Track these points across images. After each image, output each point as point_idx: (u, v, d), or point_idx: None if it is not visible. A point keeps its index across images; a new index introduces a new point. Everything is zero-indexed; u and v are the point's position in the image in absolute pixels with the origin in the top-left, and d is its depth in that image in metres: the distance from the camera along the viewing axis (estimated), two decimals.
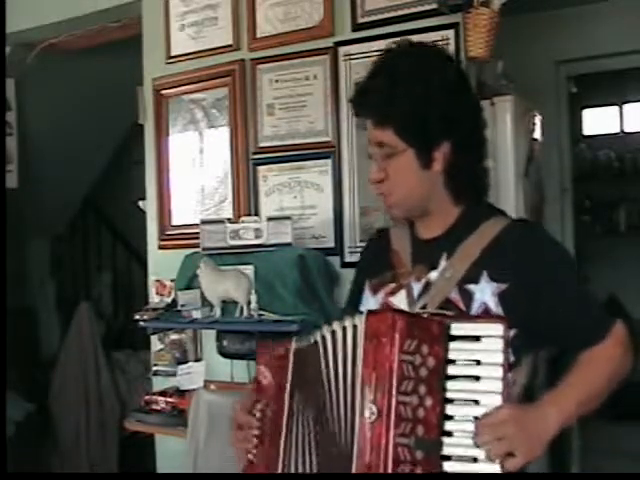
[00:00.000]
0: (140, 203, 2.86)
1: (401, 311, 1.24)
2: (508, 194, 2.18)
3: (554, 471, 2.11)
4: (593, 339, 1.27)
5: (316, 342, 1.25)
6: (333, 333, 1.22)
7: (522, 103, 2.29)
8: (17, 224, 3.89)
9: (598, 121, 5.63)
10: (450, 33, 2.13)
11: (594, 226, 5.38)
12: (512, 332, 1.20)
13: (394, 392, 1.10)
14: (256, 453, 1.32)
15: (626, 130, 5.57)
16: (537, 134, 2.52)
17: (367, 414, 1.10)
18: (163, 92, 2.69)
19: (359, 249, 2.19)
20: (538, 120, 2.53)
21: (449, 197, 1.36)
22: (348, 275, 2.14)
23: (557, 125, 3.59)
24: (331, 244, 2.34)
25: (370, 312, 1.18)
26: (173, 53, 2.69)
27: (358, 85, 1.36)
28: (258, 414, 1.34)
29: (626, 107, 5.54)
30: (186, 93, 2.64)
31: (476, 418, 1.12)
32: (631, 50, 3.43)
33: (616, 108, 5.57)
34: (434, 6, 2.12)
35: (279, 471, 1.27)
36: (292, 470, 1.25)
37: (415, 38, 2.07)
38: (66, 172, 4.20)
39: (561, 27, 3.46)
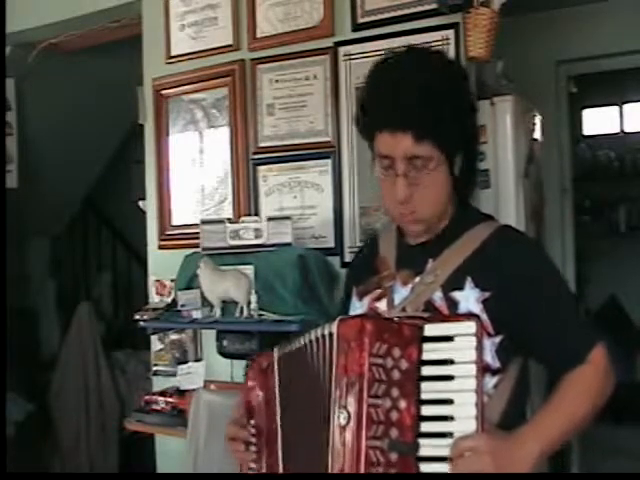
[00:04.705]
0: (140, 203, 2.86)
1: (371, 316, 1.24)
2: (508, 194, 2.18)
3: (554, 471, 2.10)
4: (571, 361, 1.23)
5: (299, 348, 1.26)
6: (316, 340, 1.22)
7: (522, 103, 2.29)
8: (17, 224, 3.89)
9: (598, 121, 5.63)
10: (450, 33, 2.13)
11: (594, 226, 5.38)
12: (498, 338, 1.22)
13: (365, 396, 1.10)
14: (256, 466, 1.34)
15: (626, 130, 5.57)
16: (537, 134, 2.52)
17: (340, 418, 1.11)
18: (163, 92, 2.69)
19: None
20: (538, 120, 2.53)
21: (452, 200, 1.35)
22: None
23: (557, 125, 3.59)
24: (331, 244, 2.34)
25: (341, 319, 1.18)
26: (173, 53, 2.69)
27: (385, 101, 1.25)
28: (252, 430, 1.36)
29: (626, 107, 5.54)
30: (186, 93, 2.64)
31: (451, 435, 1.11)
32: (631, 50, 3.43)
33: (616, 108, 5.57)
34: (434, 6, 2.12)
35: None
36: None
37: (415, 38, 2.12)
38: (66, 172, 4.20)
39: (561, 27, 3.45)
